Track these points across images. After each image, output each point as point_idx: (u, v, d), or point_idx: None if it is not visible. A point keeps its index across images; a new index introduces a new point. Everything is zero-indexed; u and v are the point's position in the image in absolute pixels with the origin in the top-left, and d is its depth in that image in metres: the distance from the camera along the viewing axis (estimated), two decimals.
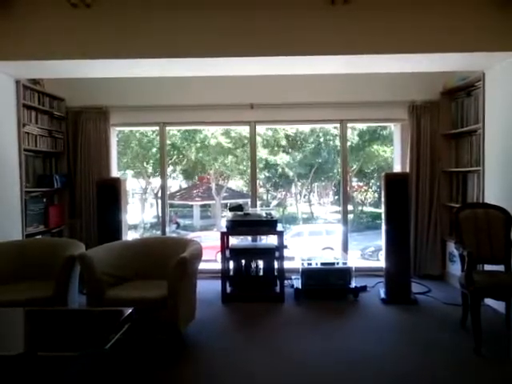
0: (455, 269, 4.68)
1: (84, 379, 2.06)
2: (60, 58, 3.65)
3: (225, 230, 4.44)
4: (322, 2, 3.51)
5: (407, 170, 5.08)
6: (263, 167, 12.69)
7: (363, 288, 4.57)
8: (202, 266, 3.61)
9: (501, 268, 3.48)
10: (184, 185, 15.65)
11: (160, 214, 5.88)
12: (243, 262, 4.51)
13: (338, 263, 4.50)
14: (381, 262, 5.07)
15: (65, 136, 5.17)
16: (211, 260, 8.11)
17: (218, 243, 4.48)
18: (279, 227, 4.42)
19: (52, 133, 4.92)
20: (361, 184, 15.77)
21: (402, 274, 4.25)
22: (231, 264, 4.52)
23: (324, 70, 4.32)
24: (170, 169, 13.44)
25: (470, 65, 4.07)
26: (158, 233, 6.96)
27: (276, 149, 12.44)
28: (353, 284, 4.41)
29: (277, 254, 4.39)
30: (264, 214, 4.49)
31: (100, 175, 5.04)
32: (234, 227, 4.42)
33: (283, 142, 12.30)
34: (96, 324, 2.54)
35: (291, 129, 11.88)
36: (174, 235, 9.50)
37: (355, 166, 13.72)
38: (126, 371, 2.69)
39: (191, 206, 15.20)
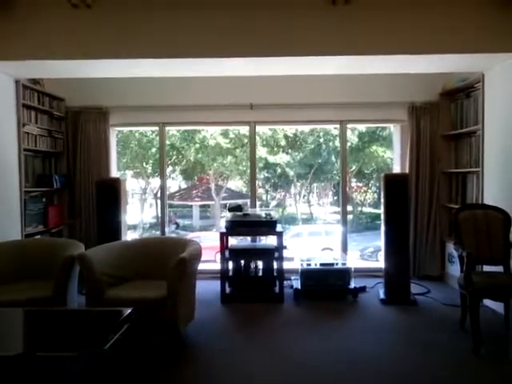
0: (454, 270, 4.69)
1: (83, 379, 2.06)
2: (60, 58, 3.66)
3: (224, 230, 4.44)
4: (322, 2, 3.52)
5: (407, 170, 5.09)
6: (263, 167, 12.69)
7: (362, 288, 4.57)
8: (201, 266, 3.61)
9: (500, 269, 3.48)
10: (183, 185, 15.66)
11: (159, 215, 5.89)
12: (242, 262, 4.51)
13: (337, 264, 4.50)
14: (380, 263, 5.07)
15: (64, 136, 5.17)
16: (210, 260, 8.12)
17: (218, 243, 4.48)
18: (278, 228, 4.41)
19: (52, 133, 4.92)
20: (360, 185, 15.79)
21: (402, 275, 4.25)
22: (230, 264, 4.52)
23: (324, 71, 4.32)
24: (169, 169, 13.45)
25: (469, 66, 4.08)
26: (158, 233, 6.96)
27: (275, 149, 12.45)
28: (352, 285, 4.41)
29: (276, 254, 4.39)
30: (263, 215, 4.49)
31: (99, 175, 5.04)
32: (234, 228, 4.42)
33: (282, 143, 12.30)
34: (95, 324, 2.54)
35: (290, 129, 11.88)
36: (173, 235, 9.50)
37: (355, 166, 13.73)
38: (125, 371, 2.69)
39: (190, 207, 15.21)
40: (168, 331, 3.14)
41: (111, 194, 4.57)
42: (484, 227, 3.55)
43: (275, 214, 4.58)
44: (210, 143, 11.86)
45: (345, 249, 5.33)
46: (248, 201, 5.72)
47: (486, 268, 3.77)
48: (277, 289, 4.42)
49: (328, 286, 4.40)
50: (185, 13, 3.58)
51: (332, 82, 4.95)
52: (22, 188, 4.33)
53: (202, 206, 15.26)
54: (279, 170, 13.71)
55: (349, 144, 9.17)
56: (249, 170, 5.63)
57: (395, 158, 5.60)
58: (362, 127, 11.65)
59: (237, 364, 2.96)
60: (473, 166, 4.53)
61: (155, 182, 14.09)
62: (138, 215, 14.27)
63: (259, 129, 6.23)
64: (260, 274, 4.53)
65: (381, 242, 4.48)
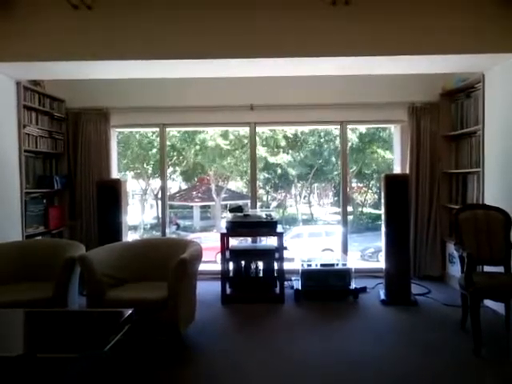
0: (455, 270, 4.68)
1: (84, 381, 2.06)
2: (61, 60, 3.66)
3: (225, 231, 4.44)
4: (322, 3, 3.52)
5: (407, 171, 5.08)
6: (263, 167, 12.68)
7: (363, 289, 4.57)
8: (201, 267, 3.60)
9: (500, 269, 3.48)
10: (184, 186, 15.66)
11: (160, 215, 5.89)
12: (243, 263, 4.51)
13: (337, 264, 4.49)
14: (381, 263, 5.07)
15: (65, 137, 5.17)
16: (211, 261, 8.11)
17: (218, 244, 4.48)
18: (279, 228, 4.41)
19: (52, 134, 4.93)
20: (360, 185, 15.79)
21: (402, 275, 4.25)
22: (231, 265, 4.52)
23: (324, 72, 4.32)
24: (169, 170, 13.45)
25: (469, 66, 4.08)
26: (158, 234, 6.97)
27: (276, 150, 12.45)
28: (353, 285, 4.41)
29: (276, 255, 4.39)
30: (264, 215, 4.50)
31: (100, 176, 5.04)
32: (234, 228, 4.42)
33: (282, 143, 12.30)
34: (96, 325, 2.54)
35: (290, 129, 11.87)
36: (173, 236, 9.50)
37: (355, 167, 13.73)
38: (126, 372, 2.69)
39: (191, 207, 15.22)
40: (169, 332, 3.14)
41: (112, 195, 4.58)
42: (484, 227, 3.55)
43: (276, 215, 4.58)
44: (210, 145, 11.86)
45: (345, 249, 5.33)
46: (248, 201, 5.72)
47: (487, 268, 3.77)
48: (277, 289, 4.42)
49: (328, 287, 4.40)
50: (185, 13, 3.59)
51: (332, 82, 4.95)
52: (22, 189, 4.34)
53: (202, 207, 15.26)
54: (279, 171, 13.71)
55: (349, 144, 9.17)
56: (249, 171, 5.63)
57: (395, 158, 5.60)
58: (363, 128, 11.65)
59: (237, 364, 2.96)
60: (473, 167, 4.53)
61: (156, 183, 14.11)
62: (138, 216, 14.29)
63: (259, 129, 6.22)
64: (260, 274, 4.53)
65: (381, 242, 4.48)
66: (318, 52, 3.61)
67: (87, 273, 3.21)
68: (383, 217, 4.35)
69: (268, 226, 4.39)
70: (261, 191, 14.00)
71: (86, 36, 3.61)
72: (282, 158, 12.79)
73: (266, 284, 4.51)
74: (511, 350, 3.12)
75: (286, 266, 4.43)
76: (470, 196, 4.61)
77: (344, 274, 4.41)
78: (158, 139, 5.58)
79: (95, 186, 4.78)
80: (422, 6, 3.54)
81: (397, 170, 5.47)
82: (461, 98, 4.83)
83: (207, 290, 4.53)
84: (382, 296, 4.34)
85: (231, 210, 4.65)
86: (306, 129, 11.78)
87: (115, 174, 5.42)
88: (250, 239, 5.29)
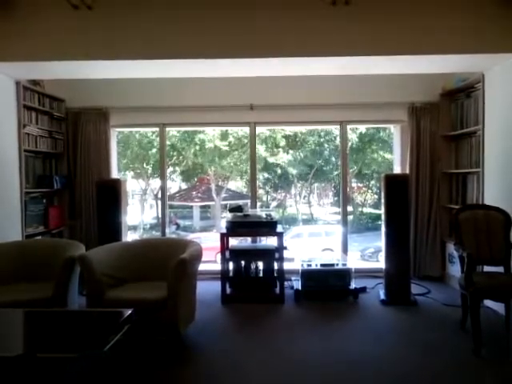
0: (455, 270, 4.68)
1: (83, 381, 2.06)
2: (61, 59, 3.66)
3: (224, 231, 4.44)
4: (322, 3, 3.52)
5: (407, 171, 5.08)
6: (263, 167, 12.68)
7: (363, 289, 4.57)
8: (201, 267, 3.61)
9: (500, 269, 3.48)
10: (184, 186, 15.66)
11: (160, 215, 5.89)
12: (243, 263, 4.51)
13: (337, 264, 4.49)
14: (380, 263, 5.07)
15: (65, 137, 5.17)
16: (211, 261, 8.10)
17: (218, 244, 4.48)
18: (279, 228, 4.41)
19: (52, 134, 4.92)
20: (360, 185, 15.78)
21: (402, 275, 4.25)
22: (231, 265, 4.52)
23: (324, 71, 4.32)
24: (169, 170, 13.45)
25: (469, 66, 4.08)
26: (158, 234, 6.97)
27: (275, 149, 12.45)
28: (352, 285, 4.41)
29: (276, 255, 4.39)
30: (264, 215, 4.49)
31: (100, 176, 5.04)
32: (234, 228, 4.42)
33: (282, 143, 12.30)
34: (95, 325, 2.54)
35: (289, 129, 11.86)
36: (173, 236, 9.50)
37: (355, 167, 13.73)
38: (126, 372, 2.69)
39: (191, 207, 15.21)
40: (168, 332, 3.14)
41: (112, 195, 4.57)
42: (484, 228, 3.55)
43: (275, 215, 4.58)
44: (209, 146, 11.84)
45: (345, 249, 5.33)
46: (248, 201, 5.72)
47: (487, 268, 3.77)
48: (277, 289, 4.42)
49: (328, 287, 4.39)
50: (185, 13, 3.58)
51: (332, 82, 4.95)
52: (22, 189, 4.33)
53: (202, 207, 15.25)
54: (279, 171, 13.71)
55: (349, 144, 9.16)
56: (249, 171, 5.63)
57: (395, 158, 5.60)
58: (363, 128, 11.64)
59: (237, 364, 2.96)
60: (473, 167, 4.53)
61: (155, 183, 14.11)
62: (138, 216, 14.28)
63: (259, 129, 6.22)
64: (260, 274, 4.53)
65: (381, 242, 4.48)
66: (318, 52, 3.61)
67: (87, 272, 3.21)
68: (383, 217, 4.35)
69: (268, 226, 4.39)
70: (261, 191, 14.00)
71: (86, 36, 3.60)
72: (282, 158, 12.79)
73: (265, 284, 4.51)
74: (511, 350, 3.12)
75: (286, 265, 4.43)
76: (470, 196, 4.61)
77: (344, 274, 4.41)
78: (158, 139, 5.58)
79: (95, 185, 4.78)
80: (422, 5, 3.54)
81: (397, 170, 5.47)
82: (461, 98, 4.83)
83: (207, 289, 4.53)
84: (382, 296, 4.34)
85: (231, 210, 4.65)
86: (306, 129, 11.77)
87: (115, 174, 5.42)
88: (249, 239, 5.29)
